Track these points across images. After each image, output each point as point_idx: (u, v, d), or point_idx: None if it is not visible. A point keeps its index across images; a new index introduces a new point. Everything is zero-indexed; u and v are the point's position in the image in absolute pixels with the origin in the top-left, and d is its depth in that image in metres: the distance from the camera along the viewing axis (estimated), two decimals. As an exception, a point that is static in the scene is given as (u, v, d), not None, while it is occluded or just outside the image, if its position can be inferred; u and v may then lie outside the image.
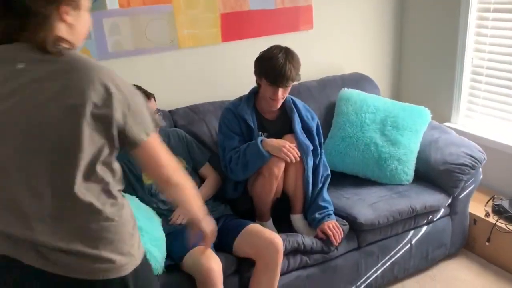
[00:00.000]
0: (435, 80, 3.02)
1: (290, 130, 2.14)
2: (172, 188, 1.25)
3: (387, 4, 3.09)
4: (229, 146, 2.10)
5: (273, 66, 1.99)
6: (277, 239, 1.91)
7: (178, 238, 1.92)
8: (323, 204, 2.15)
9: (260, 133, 2.14)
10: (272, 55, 2.03)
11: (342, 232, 2.09)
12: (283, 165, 2.03)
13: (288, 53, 2.05)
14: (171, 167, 1.22)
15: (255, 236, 1.94)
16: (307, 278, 2.11)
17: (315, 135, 2.21)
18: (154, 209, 1.99)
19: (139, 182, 2.04)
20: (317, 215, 2.11)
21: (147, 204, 1.99)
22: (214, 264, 1.78)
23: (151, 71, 2.48)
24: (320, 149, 2.24)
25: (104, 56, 2.34)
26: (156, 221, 1.94)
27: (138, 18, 2.37)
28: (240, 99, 2.22)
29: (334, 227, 2.08)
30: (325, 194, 2.20)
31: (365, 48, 3.12)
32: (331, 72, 2.93)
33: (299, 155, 2.03)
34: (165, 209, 2.03)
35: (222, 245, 1.96)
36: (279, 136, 2.10)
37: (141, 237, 1.76)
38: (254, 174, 2.09)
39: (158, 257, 1.81)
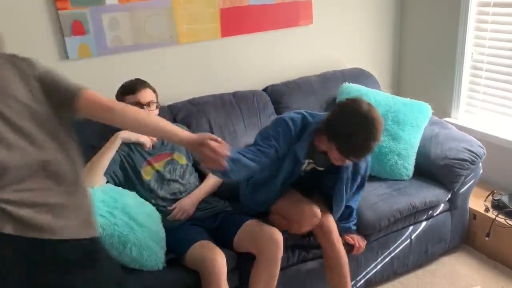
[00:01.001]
0: (435, 75, 3.00)
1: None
2: (120, 111, 1.32)
3: (387, -1, 3.07)
4: (260, 143, 1.84)
5: (360, 147, 1.73)
6: (277, 234, 1.89)
7: (179, 233, 1.91)
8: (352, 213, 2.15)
9: (306, 160, 1.97)
10: (360, 126, 1.69)
11: (363, 248, 2.13)
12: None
13: (376, 124, 1.71)
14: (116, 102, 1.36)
15: (255, 231, 1.92)
16: (306, 272, 2.10)
17: (359, 178, 2.07)
18: (153, 205, 1.98)
19: (138, 178, 2.02)
20: (345, 224, 2.13)
21: (145, 200, 1.97)
22: (218, 256, 1.77)
23: (150, 66, 2.46)
24: (363, 186, 2.15)
25: (104, 51, 2.31)
26: (156, 217, 1.93)
27: (138, 13, 2.34)
28: (303, 119, 1.91)
29: (359, 241, 2.12)
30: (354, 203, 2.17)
31: (365, 43, 3.10)
32: (331, 67, 2.90)
33: None
34: (163, 205, 2.01)
35: (222, 241, 1.94)
36: (325, 165, 1.97)
37: (142, 232, 1.76)
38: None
39: (158, 252, 1.80)
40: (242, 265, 1.96)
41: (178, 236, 1.91)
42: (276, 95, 2.61)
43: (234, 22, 2.58)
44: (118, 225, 1.72)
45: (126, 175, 2.01)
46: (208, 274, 1.75)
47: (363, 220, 2.16)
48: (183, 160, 2.14)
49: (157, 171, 2.05)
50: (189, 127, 2.32)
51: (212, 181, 2.17)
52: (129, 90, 2.05)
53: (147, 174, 2.03)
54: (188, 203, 2.02)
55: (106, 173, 1.92)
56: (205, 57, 2.60)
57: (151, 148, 2.07)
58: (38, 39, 2.19)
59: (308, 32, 2.85)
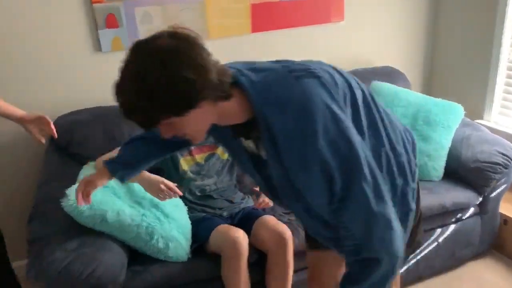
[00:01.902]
0: (468, 75, 2.90)
1: None
2: None
3: (421, -4, 2.98)
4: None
5: None
6: (286, 232, 1.82)
7: (203, 222, 1.91)
8: None
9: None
10: None
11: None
12: None
13: None
14: None
15: (263, 228, 1.86)
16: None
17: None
18: (181, 197, 1.99)
19: (175, 165, 2.01)
20: None
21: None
22: (239, 234, 1.75)
23: (181, 60, 2.47)
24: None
25: (136, 44, 2.33)
26: (183, 209, 1.93)
27: (170, 7, 2.34)
28: None
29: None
30: None
31: (397, 41, 3.02)
32: (361, 64, 2.85)
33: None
34: (190, 199, 2.01)
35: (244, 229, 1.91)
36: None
37: (168, 224, 1.77)
38: None
39: (184, 244, 1.81)
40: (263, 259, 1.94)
41: (201, 224, 1.90)
42: (305, 91, 2.58)
43: (264, 18, 2.56)
44: (146, 216, 1.73)
45: (165, 164, 2.02)
46: (229, 253, 1.72)
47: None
48: (225, 155, 2.11)
49: (197, 163, 2.03)
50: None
51: None
52: None
53: (186, 164, 2.02)
54: None
55: None
56: (234, 53, 2.59)
57: None
58: (73, 31, 2.23)
59: (339, 29, 2.80)
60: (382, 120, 1.24)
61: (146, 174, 1.78)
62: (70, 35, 2.23)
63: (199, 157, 2.04)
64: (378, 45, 2.97)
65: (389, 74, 2.75)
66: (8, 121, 2.18)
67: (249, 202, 2.12)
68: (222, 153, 2.09)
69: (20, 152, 2.29)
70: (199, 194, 2.02)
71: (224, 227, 1.82)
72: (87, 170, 1.90)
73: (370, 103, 1.23)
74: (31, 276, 1.57)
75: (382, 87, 2.55)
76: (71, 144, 2.10)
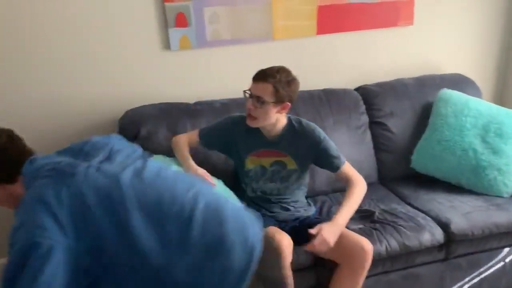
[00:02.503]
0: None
1: None
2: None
3: (496, 2, 2.80)
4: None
5: None
6: (368, 245, 1.78)
7: None
8: None
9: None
10: None
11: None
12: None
13: None
14: None
15: (342, 238, 1.79)
16: (387, 283, 2.00)
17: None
18: (241, 191, 2.00)
19: (241, 166, 1.99)
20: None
21: (239, 184, 2.01)
22: (283, 236, 1.73)
23: (245, 61, 2.47)
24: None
25: (202, 44, 2.36)
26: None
27: (237, 8, 2.35)
28: None
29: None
30: None
31: (469, 48, 2.86)
32: (428, 70, 2.72)
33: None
34: (250, 196, 2.00)
35: (301, 239, 1.87)
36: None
37: None
38: None
39: None
40: (319, 265, 1.90)
41: None
42: (368, 95, 2.50)
43: (330, 20, 2.51)
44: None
45: (229, 154, 2.04)
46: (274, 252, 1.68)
47: (453, 227, 1.99)
48: (293, 165, 1.97)
49: (262, 166, 1.97)
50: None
51: (357, 192, 1.88)
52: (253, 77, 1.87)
53: (251, 163, 1.98)
54: (330, 231, 1.73)
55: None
56: (298, 54, 2.56)
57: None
58: (144, 29, 2.30)
59: (407, 33, 2.70)
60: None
61: (190, 160, 1.91)
62: (141, 32, 2.30)
63: (265, 161, 1.97)
64: (449, 51, 2.83)
65: (459, 82, 2.60)
66: (72, 114, 2.29)
67: (310, 211, 2.06)
68: (290, 162, 1.97)
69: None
70: (259, 194, 2.01)
71: (272, 229, 1.80)
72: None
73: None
74: None
75: (452, 95, 2.42)
76: (137, 137, 2.16)
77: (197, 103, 2.32)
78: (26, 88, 2.25)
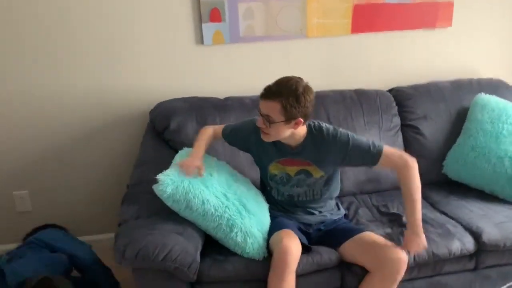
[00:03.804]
0: None
1: None
2: None
3: (539, 5, 2.67)
4: None
5: None
6: (405, 257, 1.69)
7: (275, 222, 1.85)
8: None
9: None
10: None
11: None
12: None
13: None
14: None
15: (374, 246, 1.72)
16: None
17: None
18: (267, 192, 1.96)
19: (265, 172, 1.93)
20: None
21: (265, 185, 1.96)
22: (292, 245, 1.65)
23: (277, 58, 2.43)
24: None
25: (236, 40, 2.34)
26: (264, 206, 1.89)
27: (272, 4, 2.31)
28: None
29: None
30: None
31: (508, 52, 2.73)
32: (465, 74, 2.61)
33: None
34: (276, 198, 1.95)
35: (330, 242, 1.83)
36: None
37: (249, 219, 1.74)
38: None
39: (261, 242, 1.75)
40: (345, 268, 1.86)
41: (273, 222, 1.84)
42: (402, 97, 2.42)
43: (366, 19, 2.44)
44: (229, 208, 1.72)
45: (252, 156, 1.97)
46: (277, 259, 1.64)
47: (484, 236, 1.90)
48: (318, 173, 1.86)
49: (287, 174, 1.88)
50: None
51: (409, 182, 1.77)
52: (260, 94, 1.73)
53: (275, 169, 1.88)
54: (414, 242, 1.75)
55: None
56: (332, 53, 2.50)
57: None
58: (178, 23, 2.29)
59: (445, 35, 2.59)
60: None
61: (198, 151, 1.84)
62: (175, 26, 2.29)
63: (290, 169, 1.87)
64: (487, 55, 2.70)
65: (497, 87, 2.48)
66: (105, 106, 2.32)
67: (338, 214, 1.99)
68: (315, 170, 1.86)
69: (120, 132, 2.41)
70: (286, 197, 1.93)
71: (285, 233, 1.73)
72: (181, 156, 1.95)
73: None
74: (116, 260, 1.61)
75: (489, 100, 2.31)
76: (167, 130, 2.16)
77: (228, 99, 2.30)
78: (60, 79, 2.28)
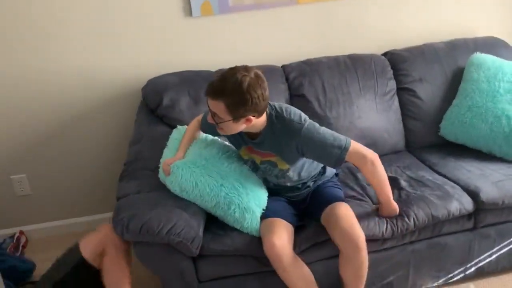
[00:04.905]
0: None
1: None
2: None
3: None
4: None
5: None
6: (358, 235, 1.59)
7: (269, 201, 1.81)
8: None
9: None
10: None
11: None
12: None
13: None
14: None
15: (334, 222, 1.64)
16: (412, 252, 1.94)
17: None
18: None
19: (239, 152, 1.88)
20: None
21: None
22: (276, 239, 1.60)
23: (268, 26, 2.37)
24: None
25: (224, 10, 2.27)
26: (259, 180, 1.85)
27: (260, -30, 2.26)
28: None
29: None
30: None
31: (505, 9, 2.66)
32: (461, 34, 2.55)
33: None
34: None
35: (312, 213, 1.79)
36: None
37: (246, 195, 1.71)
38: None
39: (259, 216, 1.74)
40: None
41: (268, 202, 1.80)
42: (396, 60, 2.37)
43: (357, -18, 2.39)
44: (225, 186, 1.71)
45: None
46: (267, 255, 1.61)
47: (483, 196, 1.89)
48: (284, 165, 1.73)
49: (253, 161, 1.80)
50: (301, 86, 2.23)
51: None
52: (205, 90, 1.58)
53: (245, 155, 1.81)
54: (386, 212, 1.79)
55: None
56: (323, 18, 2.44)
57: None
58: (166, -4, 2.23)
59: (439, -6, 2.54)
60: None
61: (180, 150, 1.82)
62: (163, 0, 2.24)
63: (255, 157, 1.78)
64: (482, 13, 2.63)
65: (493, 46, 2.44)
66: (96, 84, 2.28)
67: (322, 179, 1.88)
68: (280, 162, 1.73)
69: (113, 111, 2.38)
70: (263, 181, 1.86)
71: (269, 224, 1.67)
72: (176, 134, 1.93)
73: None
74: (118, 232, 1.62)
75: (485, 59, 2.27)
76: (160, 106, 2.13)
77: (220, 71, 2.26)
78: (50, 61, 2.23)
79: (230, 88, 1.48)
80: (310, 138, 1.62)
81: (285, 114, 1.65)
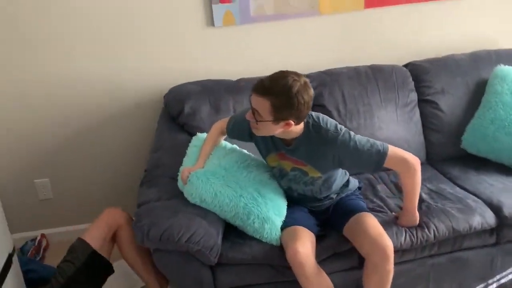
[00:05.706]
0: None
1: None
2: None
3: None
4: None
5: None
6: (387, 244, 1.59)
7: (289, 209, 1.81)
8: None
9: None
10: None
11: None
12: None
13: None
14: None
15: (362, 231, 1.64)
16: (432, 266, 1.90)
17: None
18: None
19: (265, 159, 1.86)
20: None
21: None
22: (300, 246, 1.59)
23: (290, 36, 2.38)
24: None
25: (246, 20, 2.29)
26: (279, 189, 1.84)
27: (282, -19, 2.27)
28: None
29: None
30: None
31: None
32: (483, 46, 2.51)
33: None
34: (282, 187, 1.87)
35: (335, 224, 1.79)
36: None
37: (265, 205, 1.71)
38: None
39: (279, 226, 1.73)
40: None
41: (288, 211, 1.79)
42: (418, 72, 2.34)
43: (379, -7, 2.38)
44: (244, 197, 1.71)
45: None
46: (290, 263, 1.60)
47: (506, 211, 1.86)
48: (315, 173, 1.72)
49: (283, 168, 1.78)
50: (321, 96, 2.21)
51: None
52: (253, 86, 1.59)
53: (273, 162, 1.80)
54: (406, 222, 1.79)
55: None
56: (345, 29, 2.44)
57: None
58: (188, 5, 2.24)
59: (460, 5, 2.49)
60: None
61: (203, 161, 1.84)
62: (185, 8, 2.25)
63: (285, 164, 1.76)
64: (505, 25, 2.60)
65: (517, 58, 2.41)
66: (118, 92, 2.30)
67: (345, 192, 1.88)
68: (311, 170, 1.73)
69: (135, 118, 2.41)
70: (287, 190, 1.86)
71: (292, 231, 1.68)
72: (196, 141, 1.94)
73: None
74: (138, 240, 1.63)
75: (508, 72, 2.23)
76: (181, 114, 2.15)
77: (241, 80, 2.27)
78: (74, 68, 2.27)
79: (280, 89, 1.50)
80: (347, 146, 1.62)
81: (321, 124, 1.66)
